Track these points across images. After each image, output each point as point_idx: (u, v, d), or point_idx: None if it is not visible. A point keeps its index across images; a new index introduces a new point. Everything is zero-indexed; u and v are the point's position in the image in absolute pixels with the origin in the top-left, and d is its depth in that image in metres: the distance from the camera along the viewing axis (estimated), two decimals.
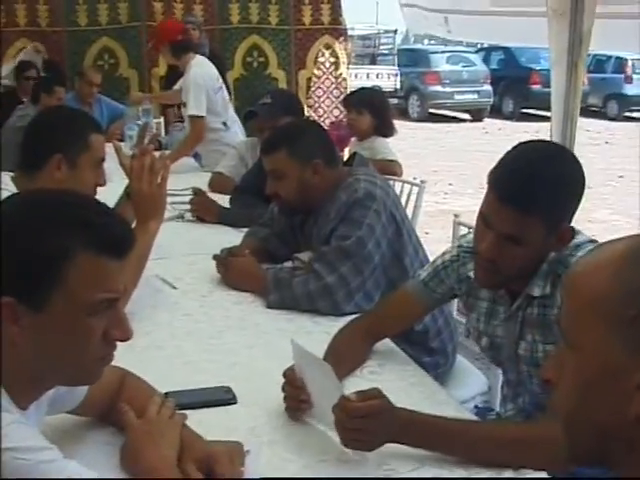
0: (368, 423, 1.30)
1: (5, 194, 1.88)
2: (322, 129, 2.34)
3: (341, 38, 7.53)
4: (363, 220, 2.09)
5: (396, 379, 1.68)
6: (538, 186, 1.38)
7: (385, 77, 15.29)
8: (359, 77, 14.31)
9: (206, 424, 1.42)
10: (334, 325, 1.88)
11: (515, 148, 1.47)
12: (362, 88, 4.41)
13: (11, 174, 2.00)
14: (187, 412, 1.43)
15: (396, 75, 15.57)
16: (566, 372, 0.81)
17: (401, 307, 1.79)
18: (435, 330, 2.18)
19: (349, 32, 8.26)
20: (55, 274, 1.02)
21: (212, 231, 2.98)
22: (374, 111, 3.87)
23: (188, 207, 3.13)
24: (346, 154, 4.28)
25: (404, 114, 15.08)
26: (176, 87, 4.88)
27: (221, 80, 4.63)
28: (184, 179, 3.93)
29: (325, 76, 7.57)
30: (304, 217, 2.34)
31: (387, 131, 3.94)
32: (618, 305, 0.77)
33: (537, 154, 1.45)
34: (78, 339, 1.07)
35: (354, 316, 1.90)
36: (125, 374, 1.46)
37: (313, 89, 7.58)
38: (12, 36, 6.67)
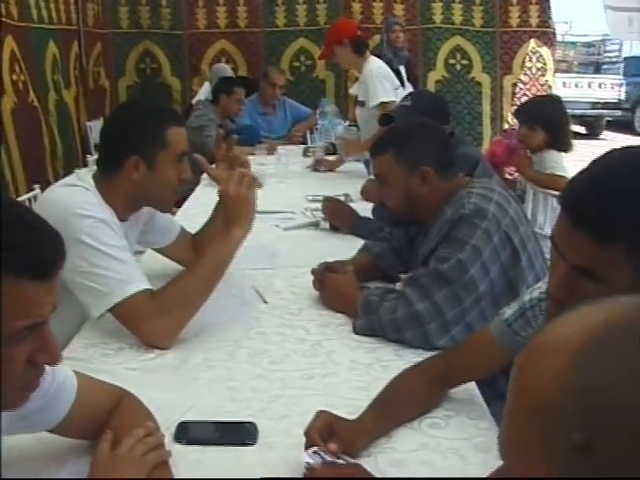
0: None
1: (79, 191, 1.85)
2: (440, 134, 2.08)
3: (549, 43, 7.11)
4: (467, 240, 1.81)
5: (459, 437, 1.39)
6: (621, 206, 1.04)
7: (608, 87, 14.05)
8: (580, 86, 13.38)
9: (211, 461, 1.26)
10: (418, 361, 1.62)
11: (602, 157, 1.12)
12: (538, 97, 4.04)
13: (93, 171, 1.96)
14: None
15: (621, 85, 14.23)
16: None
17: (480, 350, 1.49)
18: None
19: (574, 39, 7.78)
20: None
21: (341, 242, 2.81)
22: (548, 127, 3.53)
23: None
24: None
25: (628, 128, 13.90)
26: (354, 88, 4.78)
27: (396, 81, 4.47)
28: (347, 184, 3.84)
29: (531, 82, 7.18)
30: (418, 230, 2.11)
31: (562, 147, 3.56)
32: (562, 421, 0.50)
33: (623, 165, 1.10)
34: None
35: None
36: (123, 396, 1.33)
37: (518, 95, 7.22)
38: (212, 38, 6.95)
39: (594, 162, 1.11)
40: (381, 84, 4.16)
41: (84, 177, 1.94)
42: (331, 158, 4.56)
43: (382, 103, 4.09)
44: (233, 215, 1.90)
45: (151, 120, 1.90)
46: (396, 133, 2.07)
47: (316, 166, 4.42)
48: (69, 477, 1.23)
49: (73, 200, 1.81)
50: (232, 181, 1.91)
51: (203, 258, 1.86)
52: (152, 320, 1.75)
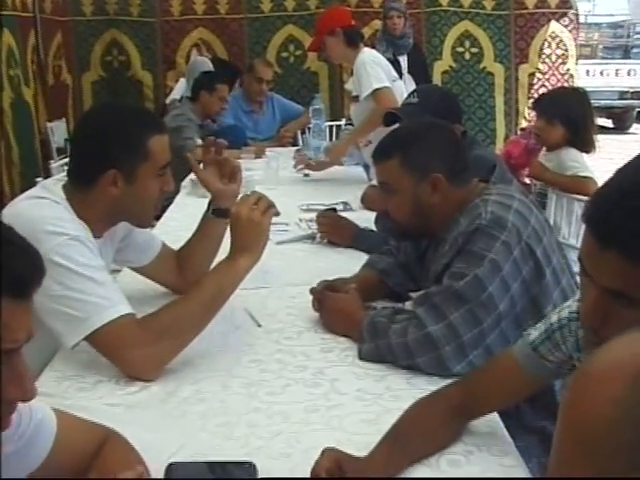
0: None
1: (47, 204, 1.88)
2: (452, 135, 2.12)
3: (571, 25, 7.15)
4: (485, 254, 1.85)
5: (482, 475, 1.43)
6: None
7: (639, 74, 14.16)
8: (606, 74, 13.41)
9: None
10: (433, 390, 1.66)
11: (628, 164, 1.15)
12: (560, 88, 4.10)
13: (62, 182, 1.99)
14: None
15: None
16: None
17: (502, 377, 1.53)
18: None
19: (598, 19, 7.84)
20: None
21: (342, 257, 2.86)
22: (568, 122, 3.57)
23: None
24: None
25: None
26: (349, 82, 4.83)
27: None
28: (346, 191, 3.88)
29: (551, 72, 7.24)
30: (429, 244, 2.15)
31: (583, 146, 3.61)
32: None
33: None
34: None
35: None
36: (108, 436, 1.36)
37: (536, 87, 7.28)
38: (189, 25, 6.99)
39: (620, 171, 1.12)
40: (372, 69, 4.14)
41: (52, 188, 1.96)
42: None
43: (375, 91, 4.07)
44: (242, 241, 1.92)
45: (130, 129, 1.92)
46: (402, 135, 2.12)
47: (299, 168, 4.42)
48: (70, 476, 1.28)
49: (41, 215, 1.83)
50: (246, 203, 1.93)
51: (202, 285, 1.90)
52: (136, 349, 1.78)
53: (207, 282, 1.90)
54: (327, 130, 5.48)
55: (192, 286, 1.94)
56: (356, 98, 4.36)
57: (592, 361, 0.68)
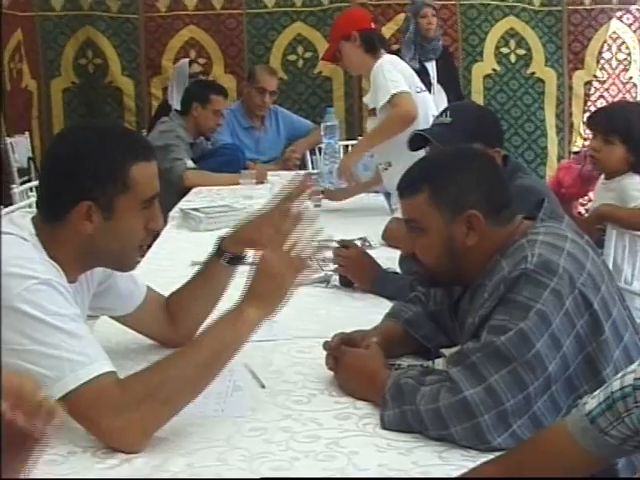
0: None
1: (14, 241, 1.93)
2: (491, 164, 2.17)
3: (635, 25, 7.20)
4: (532, 304, 1.89)
5: None
6: None
7: None
8: None
9: None
10: (469, 466, 1.70)
11: None
12: (620, 102, 4.15)
13: (31, 215, 2.05)
14: None
15: None
16: None
17: (554, 453, 1.56)
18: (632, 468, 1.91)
19: None
20: None
21: (360, 304, 2.91)
22: (630, 140, 3.61)
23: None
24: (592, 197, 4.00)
25: None
26: (368, 96, 4.87)
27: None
28: (364, 225, 3.93)
29: (611, 80, 7.28)
30: (463, 291, 2.20)
31: None
32: None
33: None
34: None
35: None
36: None
37: (593, 98, 7.31)
38: (177, 23, 7.05)
39: None
40: (390, 74, 4.16)
41: (19, 222, 2.02)
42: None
43: (392, 97, 4.09)
44: (259, 289, 1.98)
45: (107, 154, 1.96)
46: (433, 165, 2.17)
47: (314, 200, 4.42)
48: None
49: (5, 256, 1.86)
50: (280, 248, 1.99)
51: (200, 341, 1.95)
52: (118, 414, 1.81)
53: (207, 337, 1.95)
54: (341, 151, 5.51)
55: (189, 342, 1.98)
56: (373, 111, 4.40)
57: None
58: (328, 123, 4.91)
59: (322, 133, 4.93)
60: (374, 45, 4.36)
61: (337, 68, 7.03)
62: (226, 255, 2.33)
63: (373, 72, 4.27)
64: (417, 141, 2.96)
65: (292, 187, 2.16)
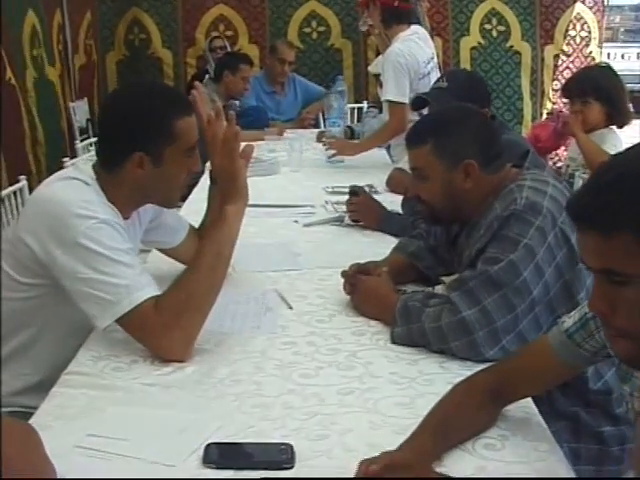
0: None
1: (78, 187, 1.90)
2: (484, 121, 2.13)
3: (595, 7, 7.14)
4: (520, 239, 1.86)
5: (517, 460, 1.45)
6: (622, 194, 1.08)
7: None
8: (627, 57, 13.28)
9: None
10: (466, 374, 1.67)
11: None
12: (586, 68, 4.07)
13: (93, 161, 2.02)
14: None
15: None
16: None
17: (537, 363, 1.55)
18: (620, 391, 1.89)
19: (620, 2, 7.77)
20: None
21: (369, 240, 2.88)
22: (601, 96, 3.55)
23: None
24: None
25: None
26: (373, 65, 4.82)
27: (434, 62, 4.42)
28: (370, 174, 3.90)
29: (575, 54, 7.21)
30: (461, 228, 2.16)
31: (622, 119, 3.60)
32: None
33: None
34: None
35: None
36: None
37: (560, 69, 7.25)
38: (208, 2, 6.94)
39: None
40: (396, 76, 4.09)
41: (83, 168, 2.00)
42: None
43: (390, 103, 4.10)
44: (224, 192, 1.95)
45: (156, 111, 1.93)
46: (435, 121, 2.12)
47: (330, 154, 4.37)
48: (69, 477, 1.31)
49: (71, 199, 1.86)
50: (220, 149, 1.96)
51: (201, 249, 1.92)
52: (162, 332, 1.80)
53: (206, 244, 1.91)
54: (349, 112, 5.44)
55: (194, 254, 1.95)
56: (377, 77, 4.35)
57: None
58: (338, 88, 4.87)
59: (332, 97, 4.89)
60: (390, 20, 4.22)
61: (346, 41, 6.96)
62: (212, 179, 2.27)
63: (386, 56, 4.20)
64: (418, 102, 2.92)
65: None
